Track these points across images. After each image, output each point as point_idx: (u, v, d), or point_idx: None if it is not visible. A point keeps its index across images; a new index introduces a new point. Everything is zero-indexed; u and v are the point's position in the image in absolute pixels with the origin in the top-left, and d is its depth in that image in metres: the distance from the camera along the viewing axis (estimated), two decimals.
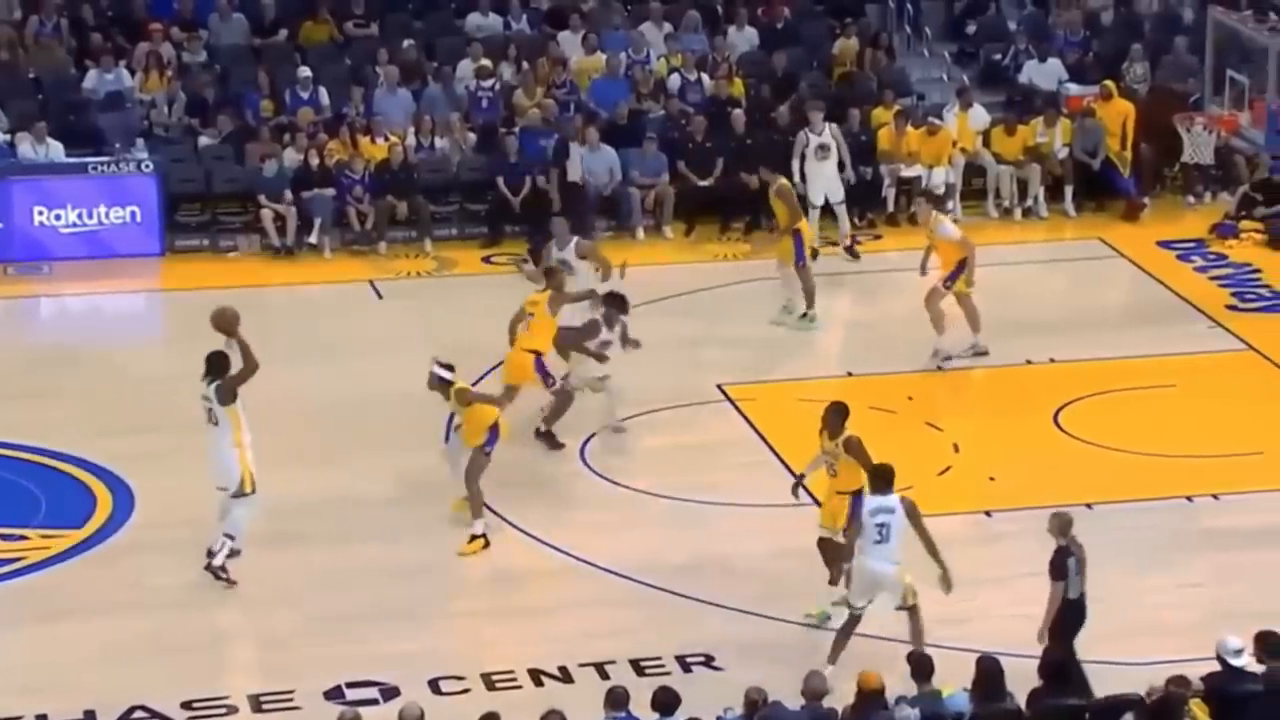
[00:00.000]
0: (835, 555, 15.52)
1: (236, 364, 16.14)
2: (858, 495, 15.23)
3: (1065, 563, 14.22)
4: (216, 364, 16.09)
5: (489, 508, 17.25)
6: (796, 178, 23.46)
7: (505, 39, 27.36)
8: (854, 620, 14.78)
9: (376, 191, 24.62)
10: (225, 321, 16.32)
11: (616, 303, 19.06)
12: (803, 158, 23.75)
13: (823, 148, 23.74)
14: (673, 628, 15.76)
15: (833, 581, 15.59)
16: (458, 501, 17.28)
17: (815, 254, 22.56)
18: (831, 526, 15.63)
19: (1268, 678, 13.03)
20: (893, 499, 14.71)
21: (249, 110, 25.80)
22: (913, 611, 14.65)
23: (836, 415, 15.89)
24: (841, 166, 24.02)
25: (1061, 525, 14.40)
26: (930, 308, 20.21)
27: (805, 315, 21.50)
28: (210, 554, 16.27)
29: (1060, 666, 13.26)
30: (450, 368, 17.35)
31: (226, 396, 16.00)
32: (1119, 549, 17.08)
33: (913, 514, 14.69)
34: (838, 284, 23.02)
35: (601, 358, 18.86)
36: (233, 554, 16.33)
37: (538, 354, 18.58)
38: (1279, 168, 25.22)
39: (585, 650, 15.30)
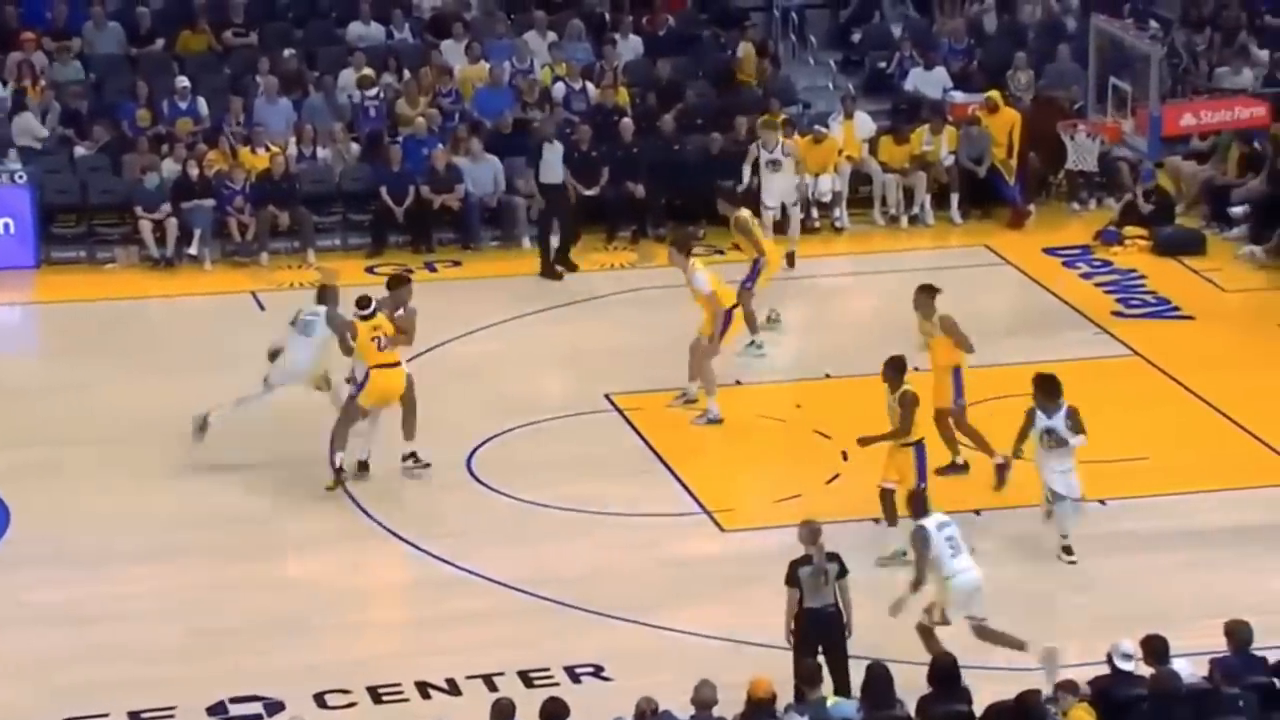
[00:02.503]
0: (892, 508, 16.74)
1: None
2: (919, 446, 16.65)
3: (797, 572, 14.36)
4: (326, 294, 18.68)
5: (373, 517, 17.21)
6: (750, 183, 23.88)
7: (388, 48, 27.28)
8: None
9: (257, 202, 24.49)
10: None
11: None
12: (755, 167, 23.92)
13: (774, 163, 23.85)
14: (561, 639, 15.77)
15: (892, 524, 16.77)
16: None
17: (792, 259, 23.22)
18: (893, 479, 16.74)
19: (1154, 681, 13.19)
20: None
21: (125, 121, 25.58)
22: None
23: (893, 369, 16.86)
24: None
25: (808, 534, 14.52)
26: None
27: (751, 343, 21.09)
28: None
29: (949, 672, 13.35)
30: None
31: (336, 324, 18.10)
32: (1008, 555, 17.26)
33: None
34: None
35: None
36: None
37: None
38: (1150, 174, 25.53)
39: (473, 662, 15.27)
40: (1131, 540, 17.40)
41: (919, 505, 15.25)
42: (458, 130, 25.64)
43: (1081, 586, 16.68)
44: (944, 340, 18.19)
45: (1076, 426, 16.74)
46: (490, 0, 28.48)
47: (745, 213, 21.47)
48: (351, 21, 27.74)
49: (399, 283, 19.28)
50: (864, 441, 17.29)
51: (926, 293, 18.38)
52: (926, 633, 14.87)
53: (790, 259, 23.58)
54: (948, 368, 18.15)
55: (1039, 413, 16.83)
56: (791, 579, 14.41)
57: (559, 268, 23.73)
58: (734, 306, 19.85)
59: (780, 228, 23.63)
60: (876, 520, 17.77)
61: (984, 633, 14.94)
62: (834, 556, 14.46)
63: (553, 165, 23.94)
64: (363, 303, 18.29)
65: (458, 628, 15.95)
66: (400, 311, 18.66)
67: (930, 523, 14.98)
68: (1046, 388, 16.92)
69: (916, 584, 14.96)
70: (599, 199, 25.10)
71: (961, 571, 14.91)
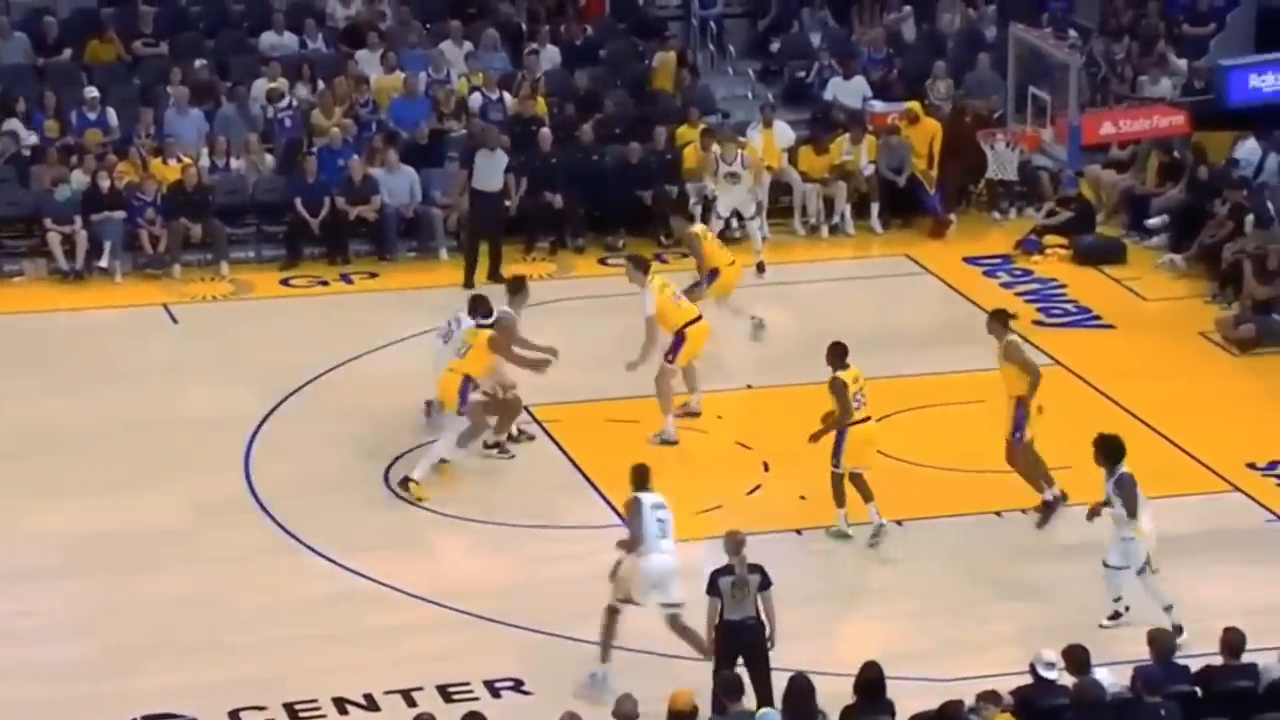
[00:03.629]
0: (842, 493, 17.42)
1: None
2: (841, 432, 17.24)
3: (718, 582, 14.37)
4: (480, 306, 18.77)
5: (289, 532, 17.14)
6: (710, 191, 24.22)
7: (301, 58, 27.19)
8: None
9: (169, 214, 24.35)
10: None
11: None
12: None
13: (733, 175, 23.89)
14: (481, 653, 15.74)
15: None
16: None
17: (762, 267, 23.40)
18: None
19: (1076, 691, 13.27)
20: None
21: (33, 131, 25.38)
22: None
23: (831, 354, 17.42)
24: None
25: (732, 545, 14.54)
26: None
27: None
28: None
29: (874, 683, 13.38)
30: None
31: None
32: (929, 565, 17.34)
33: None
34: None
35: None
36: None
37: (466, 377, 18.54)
38: (1073, 182, 25.73)
39: (391, 677, 15.23)
40: (1055, 549, 17.49)
41: (640, 478, 15.30)
42: (373, 141, 25.59)
43: (1005, 596, 16.75)
44: (1010, 368, 17.61)
45: (1127, 504, 15.88)
46: (405, 10, 28.43)
47: (699, 228, 21.47)
48: (264, 31, 27.65)
49: (519, 286, 19.51)
50: (814, 437, 17.46)
51: (997, 318, 17.90)
52: (612, 613, 14.99)
53: (760, 267, 23.76)
54: (1012, 397, 17.59)
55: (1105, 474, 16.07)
56: (712, 588, 14.42)
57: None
58: (688, 324, 19.50)
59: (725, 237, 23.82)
60: (799, 531, 17.85)
61: (675, 624, 15.02)
62: (757, 568, 14.48)
63: (491, 173, 23.89)
64: (481, 304, 18.74)
65: (375, 643, 15.89)
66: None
67: (646, 498, 15.10)
68: (1100, 448, 16.16)
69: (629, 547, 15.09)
70: (517, 209, 25.04)
71: (658, 554, 14.97)
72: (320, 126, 25.89)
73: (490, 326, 18.65)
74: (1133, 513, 15.85)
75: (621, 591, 15.05)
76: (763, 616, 14.47)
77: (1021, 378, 17.61)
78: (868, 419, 17.56)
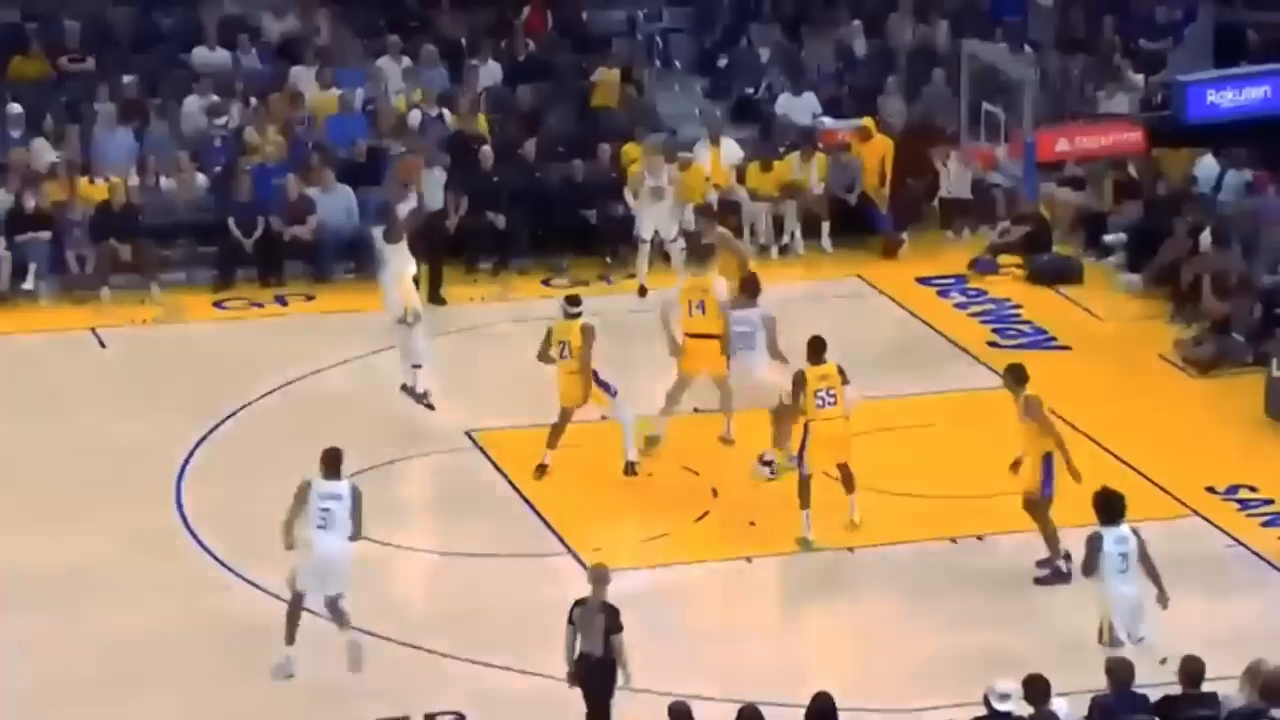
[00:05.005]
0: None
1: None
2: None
3: (572, 611, 14.38)
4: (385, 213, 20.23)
5: (225, 564, 17.11)
6: (633, 210, 24.24)
7: (234, 74, 27.18)
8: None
9: (97, 235, 24.30)
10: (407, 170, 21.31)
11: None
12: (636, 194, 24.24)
13: (657, 190, 23.98)
14: (421, 686, 15.75)
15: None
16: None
17: (644, 291, 23.38)
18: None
19: None
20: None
21: None
22: None
23: (811, 350, 17.87)
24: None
25: (594, 576, 14.51)
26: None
27: None
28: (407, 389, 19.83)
29: (827, 714, 13.41)
30: None
31: (392, 235, 19.78)
32: (881, 594, 17.43)
33: None
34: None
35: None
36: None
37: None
38: (1034, 194, 25.88)
39: (329, 713, 15.22)
40: (1009, 576, 17.59)
41: (324, 462, 15.68)
42: (309, 159, 25.58)
43: (960, 624, 16.84)
44: (1031, 425, 17.40)
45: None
46: (342, 24, 28.47)
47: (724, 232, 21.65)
48: (195, 47, 27.62)
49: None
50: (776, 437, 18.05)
51: (1011, 374, 17.74)
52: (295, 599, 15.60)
53: (642, 291, 23.81)
54: (1038, 454, 17.34)
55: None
56: (570, 617, 14.41)
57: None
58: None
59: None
60: (748, 559, 17.91)
61: (332, 609, 15.67)
62: (609, 608, 14.32)
63: (430, 192, 23.94)
64: (573, 300, 19.29)
65: (313, 677, 15.86)
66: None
67: (317, 485, 15.55)
68: (1094, 504, 15.73)
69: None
70: (458, 229, 25.09)
71: (318, 544, 15.51)
72: (254, 144, 25.89)
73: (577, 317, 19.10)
74: (1085, 571, 15.63)
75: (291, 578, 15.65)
76: (611, 655, 14.29)
77: (1045, 437, 17.45)
78: (841, 418, 17.86)
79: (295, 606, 15.73)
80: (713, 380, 19.69)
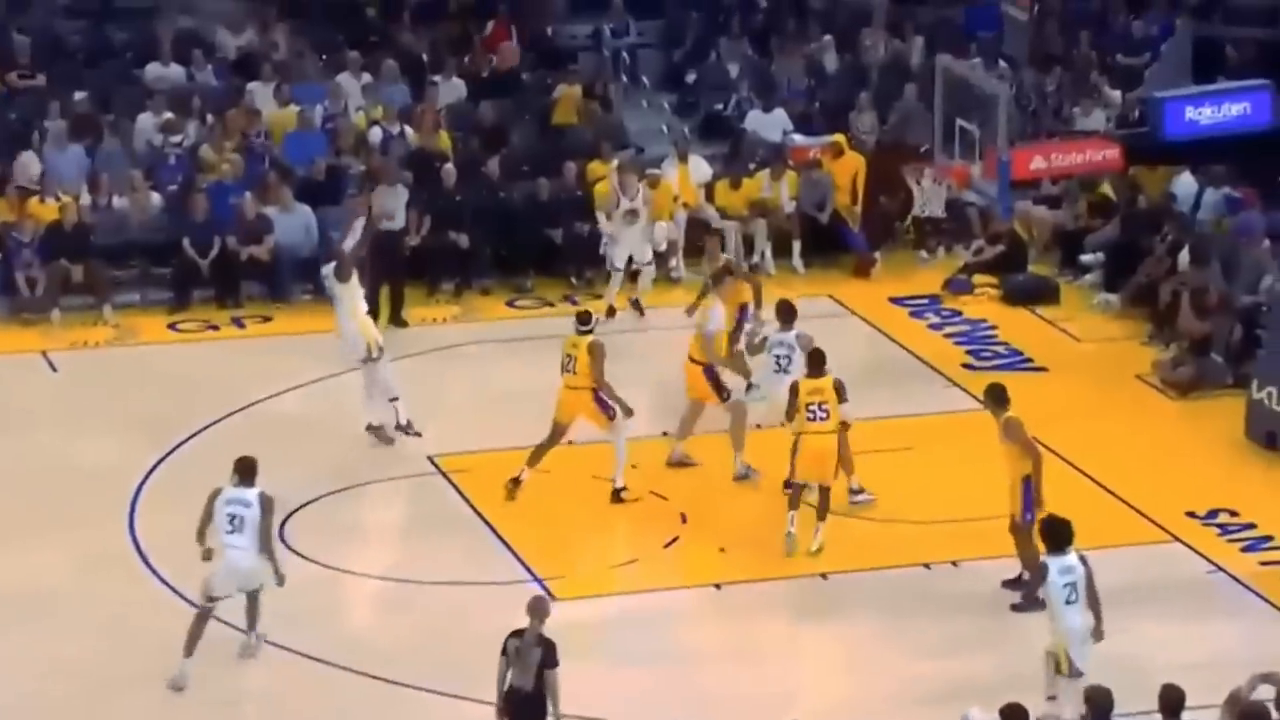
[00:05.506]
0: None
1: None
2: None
3: (507, 643, 14.29)
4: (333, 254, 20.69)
5: (175, 589, 17.08)
6: (604, 235, 24.28)
7: (189, 90, 27.16)
8: None
9: (47, 255, 24.24)
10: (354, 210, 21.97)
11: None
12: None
13: (632, 212, 23.98)
14: (379, 716, 15.67)
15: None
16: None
17: (613, 312, 23.59)
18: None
19: None
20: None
21: None
22: None
23: (989, 396, 17.68)
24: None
25: (532, 607, 14.41)
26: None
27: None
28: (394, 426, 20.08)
29: None
30: None
31: (343, 273, 20.08)
32: (854, 621, 17.44)
33: None
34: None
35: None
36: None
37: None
38: (1009, 212, 25.96)
39: None
40: (982, 603, 17.62)
41: (237, 469, 16.11)
42: (267, 177, 25.56)
43: (934, 652, 16.85)
44: (1011, 447, 17.44)
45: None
46: (300, 40, 28.47)
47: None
48: (149, 62, 27.60)
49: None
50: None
51: (990, 395, 17.79)
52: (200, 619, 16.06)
53: (611, 311, 23.92)
54: (1018, 477, 17.35)
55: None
56: (504, 648, 14.33)
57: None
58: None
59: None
60: (717, 586, 17.92)
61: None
62: (546, 642, 14.25)
63: (392, 211, 23.90)
64: (584, 318, 19.50)
65: (266, 705, 15.85)
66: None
67: (226, 491, 16.10)
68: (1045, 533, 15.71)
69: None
70: (420, 249, 25.06)
71: (227, 550, 16.04)
72: (210, 162, 25.86)
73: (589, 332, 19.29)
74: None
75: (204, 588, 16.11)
76: (542, 690, 14.23)
77: (1024, 459, 17.47)
78: (830, 433, 18.14)
79: (201, 618, 16.05)
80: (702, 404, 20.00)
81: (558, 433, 19.36)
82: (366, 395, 20.45)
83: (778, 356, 19.83)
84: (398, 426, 20.32)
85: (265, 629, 16.67)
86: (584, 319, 19.52)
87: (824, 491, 18.27)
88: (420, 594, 17.76)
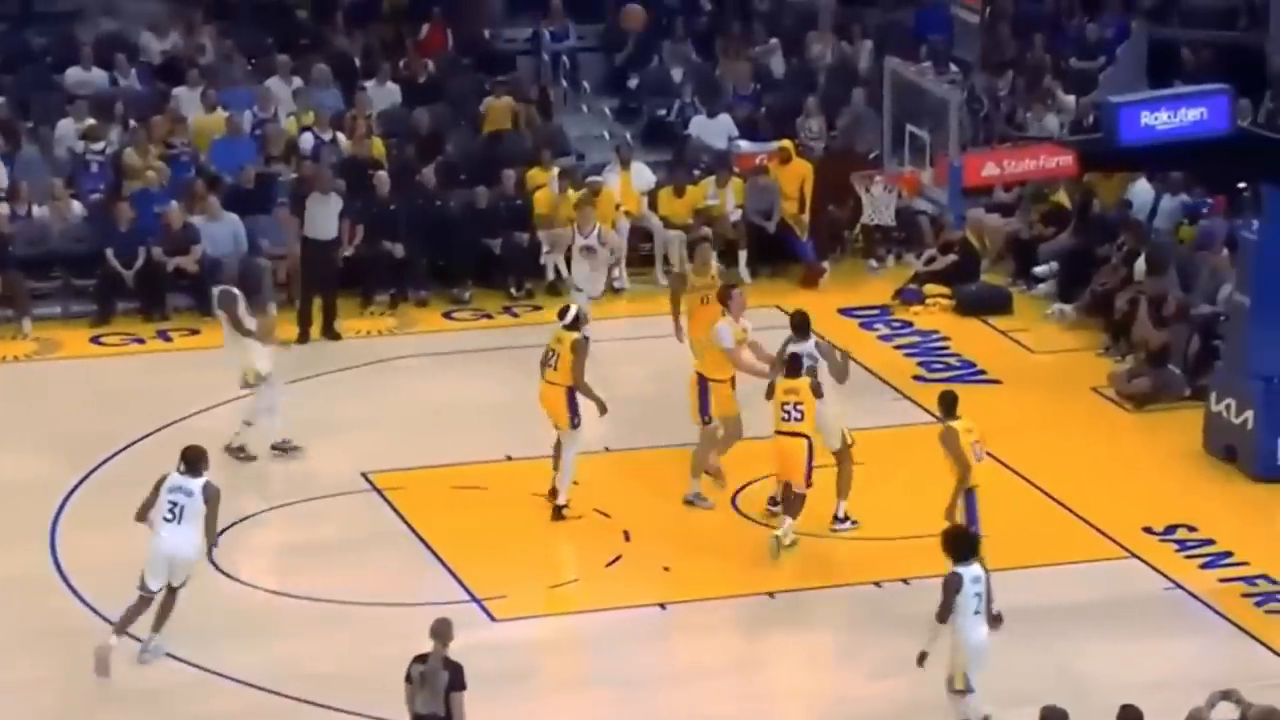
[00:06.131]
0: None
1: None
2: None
3: (410, 668, 14.22)
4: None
5: (100, 615, 16.99)
6: (563, 269, 24.58)
7: (112, 96, 27.05)
8: None
9: None
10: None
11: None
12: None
13: (588, 249, 23.93)
14: None
15: None
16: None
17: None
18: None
19: None
20: None
21: None
22: None
23: (939, 404, 17.93)
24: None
25: (436, 630, 14.30)
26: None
27: None
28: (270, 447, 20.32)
29: None
30: None
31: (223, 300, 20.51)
32: (803, 640, 17.45)
33: None
34: (495, 360, 23.15)
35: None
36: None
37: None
38: (960, 221, 26.05)
39: None
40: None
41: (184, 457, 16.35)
42: (194, 185, 25.48)
43: (886, 671, 16.86)
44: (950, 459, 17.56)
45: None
46: (228, 43, 28.40)
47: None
48: (70, 66, 27.51)
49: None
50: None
51: (939, 402, 17.95)
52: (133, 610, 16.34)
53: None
54: (959, 490, 17.43)
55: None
56: (408, 675, 14.22)
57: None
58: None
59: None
60: (662, 605, 17.92)
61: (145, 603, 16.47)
62: (453, 665, 14.17)
63: (323, 220, 23.83)
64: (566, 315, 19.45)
65: None
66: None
67: (170, 479, 16.40)
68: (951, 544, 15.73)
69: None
70: (353, 260, 24.98)
71: (156, 536, 16.32)
72: (134, 169, 25.76)
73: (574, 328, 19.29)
74: (940, 617, 15.44)
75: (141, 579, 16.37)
76: (449, 714, 14.15)
77: (953, 469, 17.56)
78: (797, 435, 18.56)
79: (138, 605, 16.32)
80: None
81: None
82: (267, 415, 20.50)
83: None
84: (277, 447, 20.55)
85: (190, 653, 16.61)
86: (567, 316, 19.41)
87: (788, 487, 18.67)
88: (353, 615, 17.69)
